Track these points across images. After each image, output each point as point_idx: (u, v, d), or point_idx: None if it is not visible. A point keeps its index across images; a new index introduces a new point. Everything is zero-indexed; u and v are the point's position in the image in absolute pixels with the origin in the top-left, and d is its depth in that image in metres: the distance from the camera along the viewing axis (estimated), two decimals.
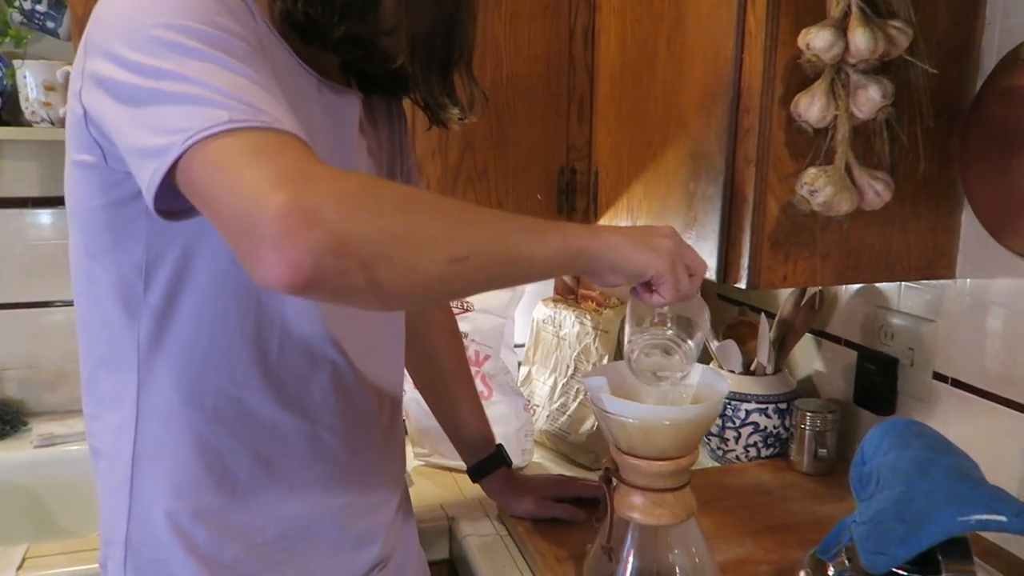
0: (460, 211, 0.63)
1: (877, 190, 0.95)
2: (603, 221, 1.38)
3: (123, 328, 0.74)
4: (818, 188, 0.92)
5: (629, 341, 0.86)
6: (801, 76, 0.95)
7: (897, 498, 0.66)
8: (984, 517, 0.59)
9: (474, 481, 1.16)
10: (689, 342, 0.84)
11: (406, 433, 1.40)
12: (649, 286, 0.76)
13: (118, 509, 0.77)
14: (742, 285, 1.01)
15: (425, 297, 0.61)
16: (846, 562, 0.73)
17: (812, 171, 0.93)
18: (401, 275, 0.57)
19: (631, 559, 0.88)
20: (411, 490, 1.29)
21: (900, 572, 0.67)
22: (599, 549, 0.90)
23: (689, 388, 0.91)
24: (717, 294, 1.50)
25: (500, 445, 1.16)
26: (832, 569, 0.72)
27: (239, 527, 0.77)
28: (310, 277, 0.53)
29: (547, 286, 1.65)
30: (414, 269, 0.57)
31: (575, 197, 1.46)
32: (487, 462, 1.15)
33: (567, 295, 1.62)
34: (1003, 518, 0.59)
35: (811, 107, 0.93)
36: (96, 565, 0.82)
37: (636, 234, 0.74)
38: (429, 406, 1.18)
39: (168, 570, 0.76)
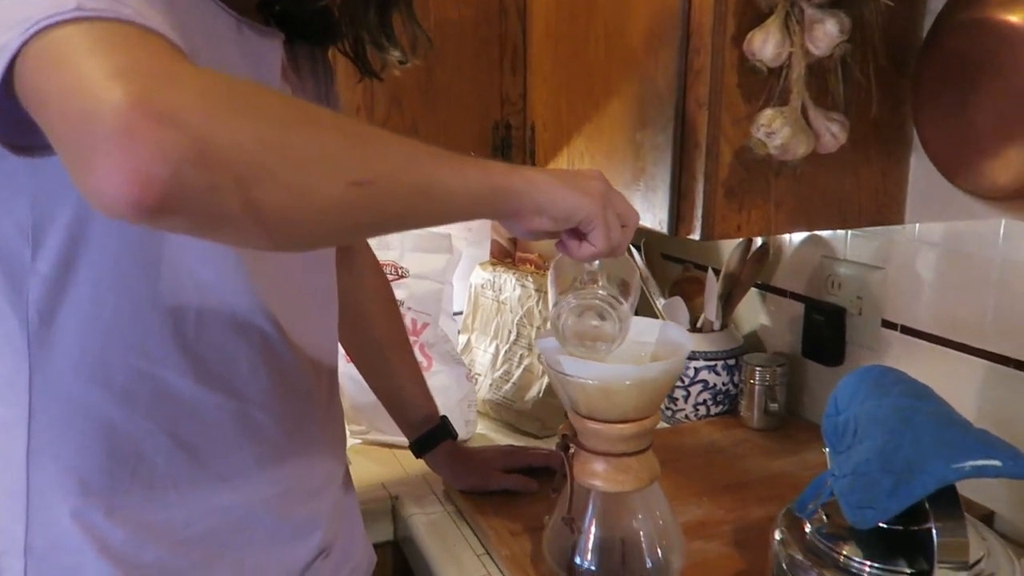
0: (364, 131, 0.53)
1: (833, 132, 0.91)
2: None
3: (7, 302, 0.63)
4: (775, 130, 0.88)
5: (555, 304, 0.78)
6: (753, 12, 0.89)
7: (881, 448, 0.62)
8: (978, 463, 0.56)
9: (417, 456, 1.09)
10: (624, 305, 0.76)
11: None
12: (578, 234, 0.68)
13: (14, 514, 0.66)
14: (696, 236, 0.96)
15: (322, 229, 0.51)
16: (824, 518, 0.69)
17: (769, 112, 0.89)
18: (288, 197, 0.46)
19: (593, 528, 0.83)
20: (350, 469, 1.21)
21: (883, 526, 0.64)
22: (559, 520, 0.84)
23: (648, 346, 0.86)
24: (660, 253, 1.46)
25: (444, 417, 1.09)
26: (809, 526, 0.69)
27: (160, 523, 0.68)
28: (165, 192, 0.41)
29: (483, 250, 1.58)
30: (305, 191, 0.47)
31: (511, 154, 1.38)
32: (431, 436, 1.08)
33: (504, 258, 1.56)
34: (998, 463, 0.56)
35: (765, 44, 0.87)
36: None
37: (563, 175, 0.66)
38: (366, 379, 1.09)
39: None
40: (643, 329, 0.86)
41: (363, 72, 0.82)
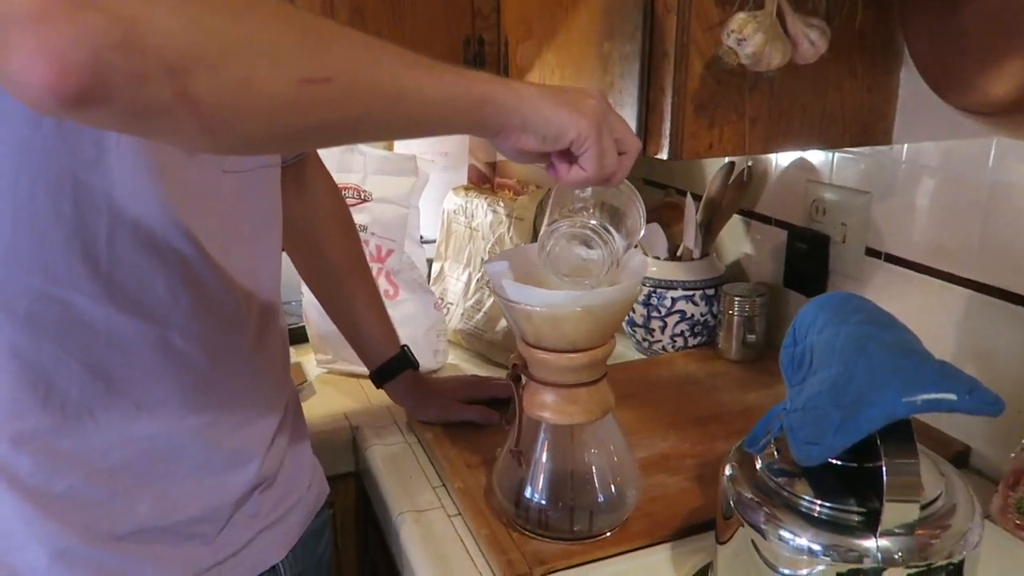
0: (323, 25, 0.47)
1: (812, 39, 0.84)
2: None
3: None
4: (747, 36, 0.80)
5: (545, 228, 0.72)
6: None
7: (833, 380, 0.57)
8: (932, 396, 0.51)
9: (377, 386, 1.06)
10: (615, 236, 0.70)
11: (303, 338, 1.28)
12: (569, 157, 0.62)
13: None
14: (663, 156, 0.90)
15: (268, 129, 0.46)
16: (775, 453, 0.65)
17: (740, 16, 0.81)
18: (229, 92, 0.42)
19: (543, 461, 0.79)
20: (314, 399, 1.18)
21: (835, 462, 0.59)
22: (508, 453, 0.81)
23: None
24: (642, 179, 1.39)
25: (405, 346, 1.05)
26: (760, 462, 0.64)
27: (74, 452, 0.65)
28: (86, 80, 0.37)
29: (460, 175, 1.52)
30: (248, 85, 0.42)
31: (483, 70, 1.30)
32: (390, 365, 1.04)
33: (482, 184, 1.49)
34: (953, 396, 0.51)
35: None
36: None
37: (558, 91, 0.60)
38: (324, 307, 1.05)
39: None
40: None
41: None
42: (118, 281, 0.63)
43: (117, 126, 0.43)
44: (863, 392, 0.53)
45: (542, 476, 0.79)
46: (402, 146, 1.57)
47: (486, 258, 1.27)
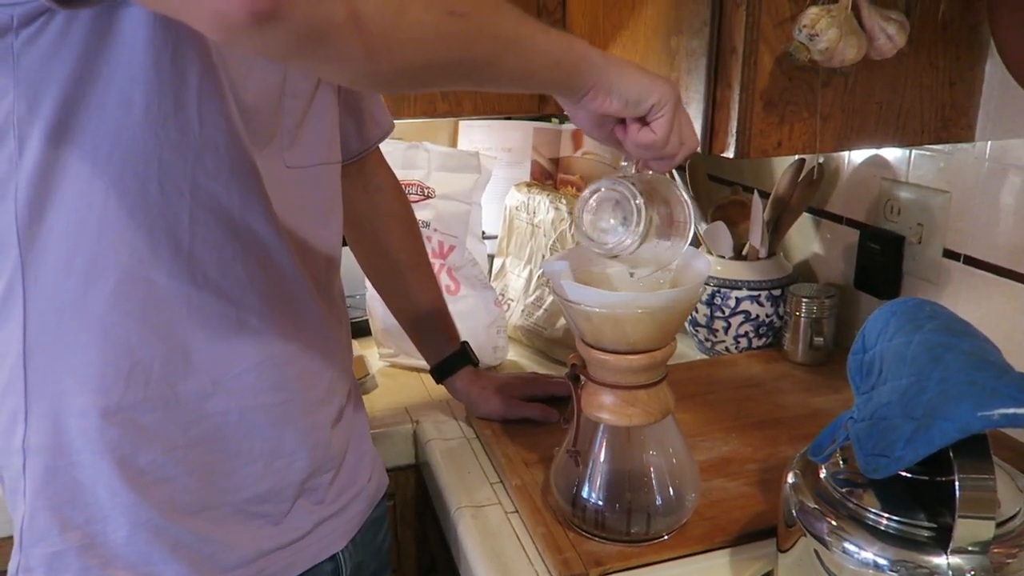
0: None
1: (889, 33, 0.81)
2: None
3: None
4: (819, 32, 0.78)
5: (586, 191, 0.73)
6: None
7: (904, 390, 0.55)
8: (1010, 411, 0.49)
9: (438, 382, 1.07)
10: (643, 206, 0.69)
11: (367, 329, 1.30)
12: (642, 121, 0.66)
13: (14, 411, 0.66)
14: (730, 154, 0.88)
15: (416, 58, 0.51)
16: (841, 463, 0.63)
17: (813, 11, 0.79)
18: (390, 13, 0.48)
19: (600, 462, 0.79)
20: (375, 392, 1.20)
21: (904, 474, 0.57)
22: (565, 452, 0.80)
23: (667, 272, 0.80)
24: (707, 174, 1.36)
25: (465, 343, 1.06)
26: (824, 471, 0.63)
27: (156, 427, 0.67)
28: (269, 6, 0.43)
29: (523, 171, 1.52)
30: (405, 10, 0.49)
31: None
32: (450, 361, 1.05)
33: (545, 180, 1.49)
34: None
35: None
36: None
37: (639, 65, 0.66)
38: (385, 302, 1.07)
39: (73, 475, 0.66)
40: (665, 254, 0.79)
41: None
42: (199, 261, 0.66)
43: (292, 49, 0.47)
44: (936, 404, 0.51)
45: (599, 476, 0.79)
46: (465, 142, 1.58)
47: (547, 255, 1.27)
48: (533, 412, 1.02)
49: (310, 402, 0.77)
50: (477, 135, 1.55)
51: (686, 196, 0.73)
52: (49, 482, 0.66)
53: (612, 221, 0.71)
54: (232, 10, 0.43)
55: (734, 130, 0.87)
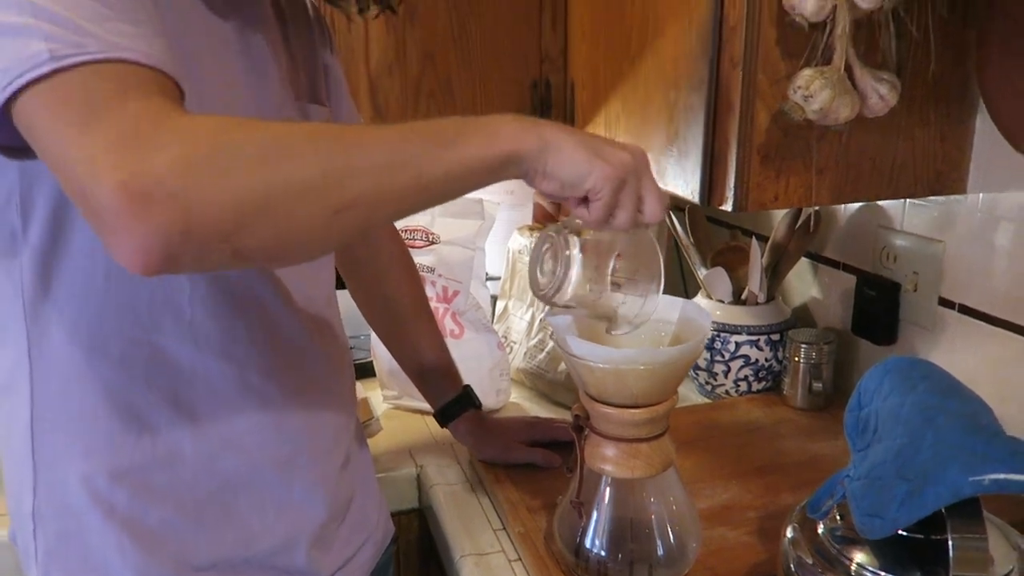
0: (346, 146, 0.52)
1: (881, 93, 0.83)
2: None
3: (2, 272, 0.64)
4: (813, 92, 0.80)
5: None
6: None
7: (898, 451, 0.57)
8: (1000, 477, 0.50)
9: (442, 425, 1.08)
10: (573, 257, 0.67)
11: (368, 370, 1.32)
12: (584, 199, 0.62)
13: (23, 480, 0.68)
14: (728, 207, 0.90)
15: (313, 252, 0.55)
16: (838, 518, 0.64)
17: (807, 72, 0.81)
18: (273, 238, 0.50)
19: (604, 512, 0.80)
20: (379, 435, 1.21)
21: (900, 533, 0.58)
22: (569, 503, 0.81)
23: (668, 325, 0.81)
24: (706, 216, 1.39)
25: (467, 386, 1.07)
26: (822, 527, 0.64)
27: (165, 486, 0.68)
28: (163, 259, 0.46)
29: (525, 213, 1.54)
30: (288, 229, 0.50)
31: (550, 114, 1.33)
32: (453, 405, 1.06)
33: (547, 222, 1.51)
34: (1023, 477, 0.49)
35: None
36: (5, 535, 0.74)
37: (590, 139, 0.61)
38: (387, 347, 1.08)
39: (84, 539, 0.67)
40: (665, 307, 0.81)
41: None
42: (201, 325, 0.68)
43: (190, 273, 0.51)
44: (929, 468, 0.53)
45: (603, 527, 0.80)
46: None
47: None
48: (535, 457, 1.03)
49: (318, 452, 0.78)
50: None
51: (659, 254, 0.71)
52: (60, 546, 0.67)
53: (548, 267, 0.70)
54: (127, 266, 0.46)
55: (732, 184, 0.89)
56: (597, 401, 0.76)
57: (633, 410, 0.75)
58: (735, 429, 1.13)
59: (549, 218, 1.53)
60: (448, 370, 1.07)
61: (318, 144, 0.51)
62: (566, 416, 1.19)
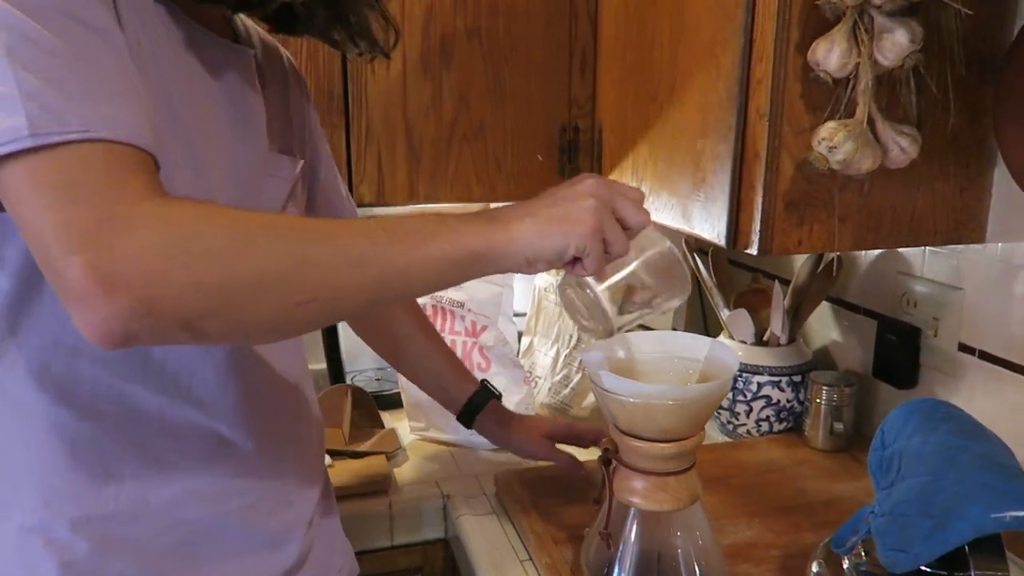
0: (311, 241, 0.54)
1: (902, 146, 0.87)
2: None
3: None
4: (837, 144, 0.84)
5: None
6: (819, 19, 0.86)
7: (922, 489, 0.59)
8: (1020, 514, 0.52)
9: (468, 426, 1.09)
10: (596, 288, 0.69)
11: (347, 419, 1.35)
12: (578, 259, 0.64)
13: None
14: (753, 251, 0.93)
15: (275, 339, 0.58)
16: (863, 555, 0.66)
17: (831, 125, 0.85)
18: (234, 326, 0.52)
19: (631, 545, 0.82)
20: (406, 465, 1.24)
21: (924, 568, 0.61)
22: (597, 534, 0.84)
23: (695, 363, 0.85)
24: (728, 259, 1.42)
25: (484, 380, 1.09)
26: (847, 562, 0.66)
27: (128, 537, 0.67)
28: (123, 337, 0.49)
29: None
30: (249, 319, 0.52)
31: (578, 157, 1.38)
32: (475, 400, 1.07)
33: None
34: None
35: (830, 54, 0.84)
36: None
37: (549, 207, 0.61)
38: (399, 370, 1.11)
39: None
40: (692, 346, 0.85)
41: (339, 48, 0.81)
42: (170, 373, 0.67)
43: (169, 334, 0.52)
44: (952, 505, 0.55)
45: (630, 559, 0.82)
46: None
47: (574, 336, 1.32)
48: (562, 460, 1.05)
49: (281, 502, 0.77)
50: None
51: (666, 239, 0.72)
52: None
53: (583, 312, 0.72)
54: (90, 338, 0.49)
55: (757, 229, 0.93)
56: (627, 435, 0.79)
57: (662, 444, 0.77)
58: (757, 468, 1.15)
59: None
60: (461, 372, 1.09)
61: (283, 238, 0.53)
62: (588, 451, 1.21)
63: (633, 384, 0.76)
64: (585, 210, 0.61)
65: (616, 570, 0.82)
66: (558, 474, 1.08)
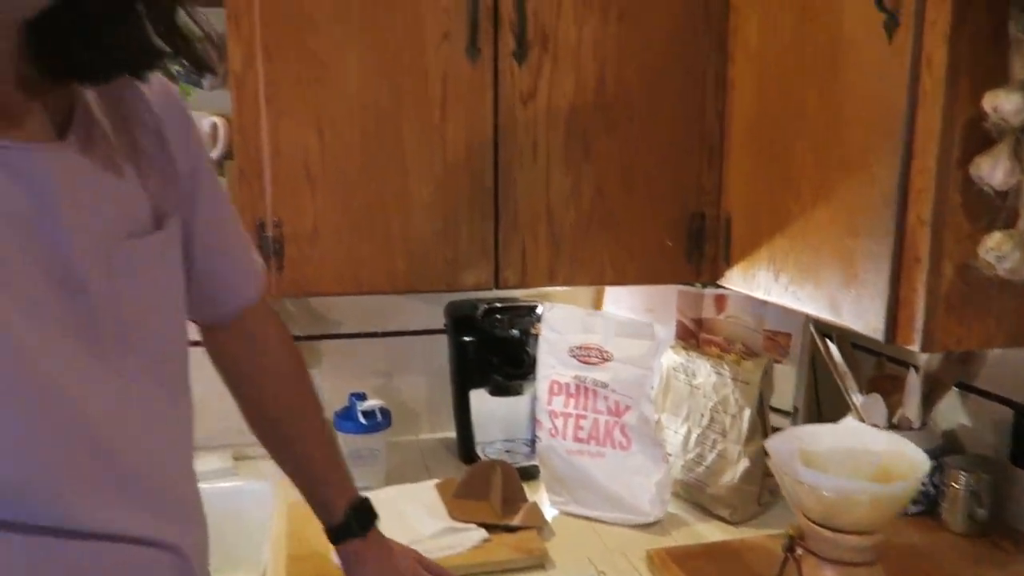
0: None
1: None
2: (738, 270, 1.38)
3: None
4: (1005, 254, 0.91)
5: None
6: (977, 136, 0.93)
7: None
8: None
9: (334, 543, 0.94)
10: None
11: None
12: None
13: None
14: (915, 348, 0.99)
15: None
16: None
17: (998, 236, 0.92)
18: None
19: None
20: (554, 540, 1.28)
21: None
22: None
23: (874, 456, 0.90)
24: (852, 343, 1.47)
25: (365, 498, 0.95)
26: None
27: None
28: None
29: (668, 330, 1.65)
30: None
31: (704, 243, 1.45)
32: (353, 519, 0.93)
33: (688, 339, 1.62)
34: None
35: (995, 171, 0.91)
36: None
37: None
38: (273, 456, 0.95)
39: None
40: (870, 439, 0.90)
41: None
42: None
43: None
44: None
45: None
46: (611, 302, 1.72)
47: (707, 415, 1.37)
48: None
49: None
50: (623, 295, 1.70)
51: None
52: None
53: None
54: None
55: (920, 328, 0.98)
56: (819, 525, 0.85)
57: (856, 537, 0.83)
58: (901, 553, 1.18)
59: (689, 335, 1.64)
60: (339, 480, 0.94)
61: None
62: (723, 529, 1.25)
63: (831, 479, 0.81)
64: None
65: None
66: (707, 552, 1.12)
